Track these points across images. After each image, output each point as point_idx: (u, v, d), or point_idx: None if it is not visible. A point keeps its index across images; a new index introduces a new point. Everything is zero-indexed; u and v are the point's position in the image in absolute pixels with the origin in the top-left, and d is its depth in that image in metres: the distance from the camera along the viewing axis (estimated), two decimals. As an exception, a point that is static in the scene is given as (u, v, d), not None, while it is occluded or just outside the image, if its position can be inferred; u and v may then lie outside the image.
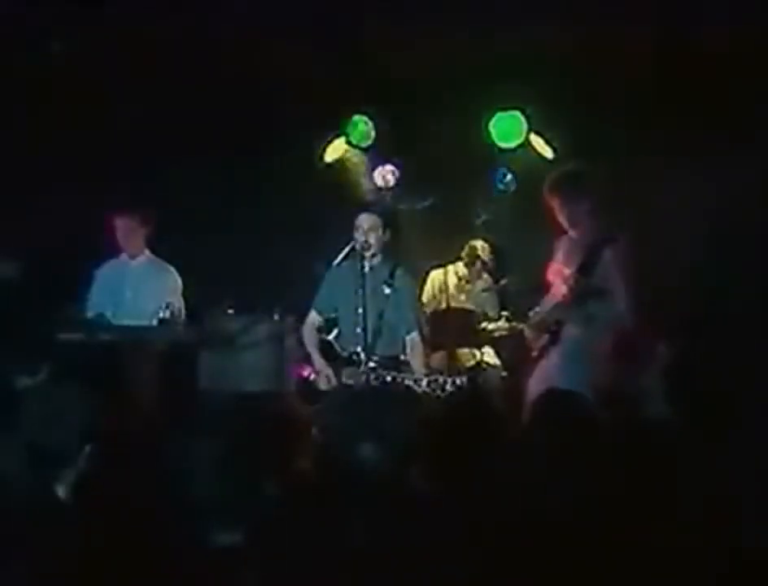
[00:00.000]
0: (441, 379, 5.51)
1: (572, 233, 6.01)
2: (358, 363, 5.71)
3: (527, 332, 6.17)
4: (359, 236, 5.83)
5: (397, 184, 7.64)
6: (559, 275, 6.02)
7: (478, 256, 7.63)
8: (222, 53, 7.50)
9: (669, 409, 3.99)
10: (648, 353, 5.53)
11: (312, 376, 5.87)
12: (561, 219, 5.96)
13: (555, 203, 5.92)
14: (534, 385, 5.99)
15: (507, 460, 3.36)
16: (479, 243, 7.67)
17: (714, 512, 3.07)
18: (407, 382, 5.54)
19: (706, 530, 3.00)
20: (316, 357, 5.88)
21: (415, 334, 5.87)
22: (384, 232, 5.88)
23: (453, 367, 6.97)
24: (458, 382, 5.47)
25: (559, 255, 6.08)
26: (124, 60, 7.40)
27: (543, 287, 6.11)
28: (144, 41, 7.34)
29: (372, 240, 5.84)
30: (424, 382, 5.49)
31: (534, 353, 6.04)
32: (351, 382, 5.68)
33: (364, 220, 5.85)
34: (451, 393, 5.36)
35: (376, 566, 2.88)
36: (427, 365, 6.44)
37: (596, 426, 3.39)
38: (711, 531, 3.00)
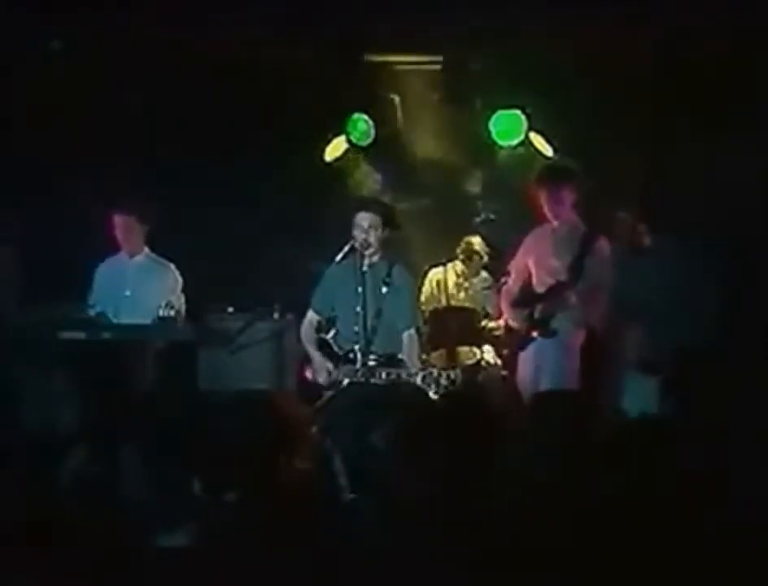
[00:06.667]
0: (435, 373, 5.52)
1: (556, 224, 6.12)
2: (355, 361, 5.71)
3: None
4: (358, 234, 5.82)
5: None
6: (546, 267, 6.13)
7: (476, 251, 7.64)
8: (222, 52, 7.51)
9: (659, 406, 4.01)
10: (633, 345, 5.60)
11: (311, 375, 5.87)
12: (547, 210, 6.18)
13: (542, 195, 6.16)
14: (526, 379, 6.06)
15: (502, 456, 3.36)
16: (476, 239, 7.68)
17: (711, 509, 3.07)
18: (402, 378, 5.55)
19: (703, 527, 3.00)
20: (314, 356, 5.88)
21: (412, 331, 5.86)
22: (383, 230, 5.87)
23: (453, 366, 6.97)
24: (452, 376, 5.47)
25: (537, 245, 6.20)
26: (124, 60, 7.41)
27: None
28: (144, 40, 7.35)
29: (371, 239, 5.82)
30: (418, 378, 5.51)
31: (523, 347, 6.17)
32: (347, 380, 5.67)
33: (364, 218, 5.83)
34: (446, 389, 5.36)
35: (373, 565, 2.89)
36: (426, 363, 6.46)
37: (586, 425, 3.40)
38: (709, 529, 3.00)
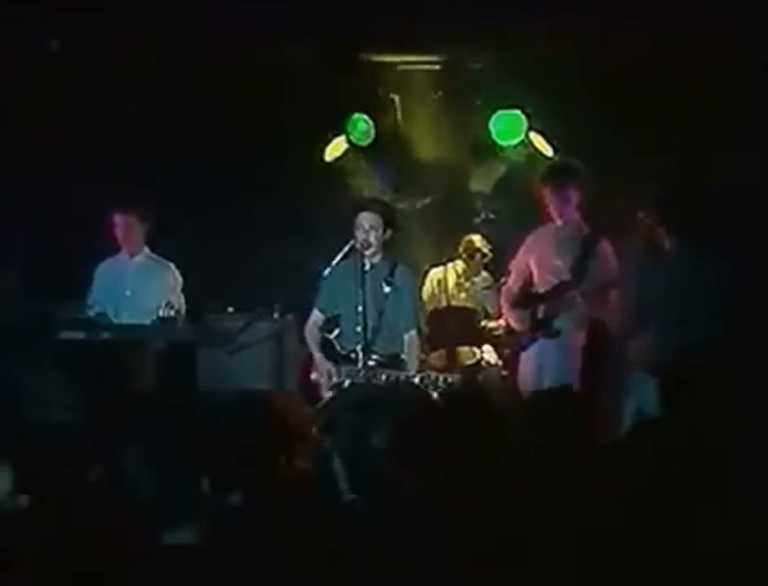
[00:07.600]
0: (433, 376, 5.52)
1: (560, 224, 6.13)
2: (357, 361, 5.71)
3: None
4: (359, 234, 5.82)
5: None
6: (548, 267, 6.13)
7: (478, 249, 7.64)
8: (222, 52, 7.51)
9: (663, 404, 4.00)
10: (637, 346, 5.57)
11: (314, 375, 5.87)
12: (552, 210, 6.15)
13: (547, 194, 6.13)
14: (528, 379, 6.05)
15: (503, 457, 3.36)
16: (477, 237, 7.69)
17: (712, 507, 3.07)
18: (402, 379, 5.54)
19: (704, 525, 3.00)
20: (318, 356, 5.88)
21: (413, 332, 5.87)
22: (384, 231, 5.87)
23: (453, 366, 6.98)
24: (450, 379, 5.47)
25: (539, 245, 6.19)
26: (124, 60, 7.41)
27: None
28: (144, 41, 7.35)
29: (372, 239, 5.82)
30: (416, 380, 5.51)
31: (525, 347, 6.15)
32: (349, 380, 5.67)
33: (365, 218, 5.83)
34: (444, 391, 5.36)
35: (373, 565, 2.89)
36: (426, 363, 6.45)
37: (588, 426, 3.41)
38: (709, 526, 3.00)
